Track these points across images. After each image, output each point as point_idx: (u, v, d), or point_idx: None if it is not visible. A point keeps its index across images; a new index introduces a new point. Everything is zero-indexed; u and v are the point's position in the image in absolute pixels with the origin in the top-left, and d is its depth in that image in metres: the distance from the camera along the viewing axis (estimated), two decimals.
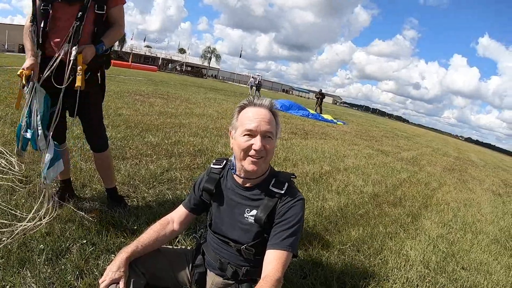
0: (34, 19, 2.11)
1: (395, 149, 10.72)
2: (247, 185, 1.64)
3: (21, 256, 1.90)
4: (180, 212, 1.83)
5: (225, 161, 1.78)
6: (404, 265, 2.70)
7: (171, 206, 2.93)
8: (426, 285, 2.45)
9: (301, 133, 9.53)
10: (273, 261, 1.47)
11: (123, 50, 62.38)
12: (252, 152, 1.50)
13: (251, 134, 1.50)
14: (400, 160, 8.59)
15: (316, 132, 10.60)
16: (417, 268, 2.70)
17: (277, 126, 1.58)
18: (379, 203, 4.38)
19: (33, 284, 1.74)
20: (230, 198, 1.67)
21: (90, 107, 2.41)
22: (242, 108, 1.59)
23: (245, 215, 1.62)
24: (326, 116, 17.47)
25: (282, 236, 1.51)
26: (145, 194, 3.12)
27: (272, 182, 1.61)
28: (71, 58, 2.08)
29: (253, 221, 1.60)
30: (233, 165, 1.68)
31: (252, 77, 34.77)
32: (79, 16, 2.11)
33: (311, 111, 17.71)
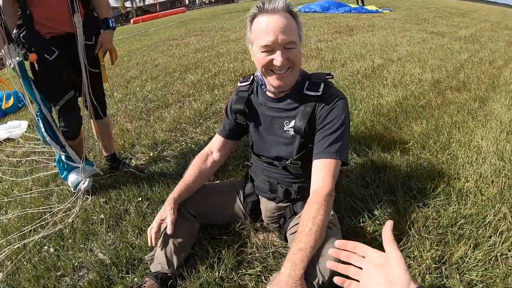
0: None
1: (451, 29, 9.17)
2: (280, 96, 1.40)
3: (85, 230, 1.93)
4: (216, 141, 1.67)
5: (252, 76, 1.54)
6: (476, 159, 2.27)
7: None
8: (502, 180, 2.00)
9: (345, 31, 8.60)
10: (320, 172, 1.26)
11: (147, 3, 60.96)
12: (274, 67, 1.25)
13: (269, 49, 1.23)
14: (457, 39, 7.37)
15: (361, 26, 9.48)
16: (490, 161, 2.23)
17: (298, 30, 1.27)
18: (441, 90, 3.79)
19: (100, 254, 1.75)
20: (265, 114, 1.46)
21: (96, 73, 2.22)
22: (253, 17, 1.28)
23: (285, 129, 1.41)
24: (369, 7, 15.61)
25: (326, 143, 1.28)
26: (193, 134, 3.01)
27: (306, 85, 1.35)
28: (77, 27, 1.96)
29: (293, 132, 1.37)
30: (260, 80, 1.44)
31: None
32: None
33: (353, 6, 16.03)
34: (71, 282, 1.63)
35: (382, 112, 3.09)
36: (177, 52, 7.58)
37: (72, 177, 2.28)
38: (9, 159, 3.21)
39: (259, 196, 1.62)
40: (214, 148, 1.66)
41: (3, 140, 3.69)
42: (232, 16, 18.39)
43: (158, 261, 1.45)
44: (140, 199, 2.08)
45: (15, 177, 2.81)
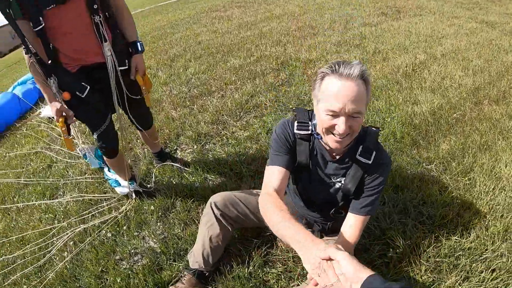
0: (29, 51, 1.74)
1: (503, 19, 8.00)
2: (338, 155, 1.51)
3: (137, 220, 2.30)
4: (282, 178, 1.46)
5: (309, 122, 1.50)
6: (493, 189, 2.28)
7: (258, 136, 3.07)
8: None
9: (392, 13, 8.25)
10: (352, 226, 1.47)
11: None
12: (335, 132, 1.30)
13: (334, 114, 1.26)
14: (508, 34, 6.62)
15: (409, 7, 9.00)
16: (507, 194, 2.23)
17: (367, 98, 1.29)
18: (479, 100, 3.61)
19: (151, 242, 2.13)
20: (321, 167, 1.55)
21: (139, 93, 2.21)
22: (324, 76, 1.29)
23: (332, 179, 1.55)
24: None
25: (364, 202, 1.47)
26: (234, 128, 3.27)
27: (359, 150, 1.45)
28: (108, 55, 1.90)
29: (339, 187, 1.55)
30: (316, 127, 1.48)
31: None
32: (95, 7, 1.78)
33: None
34: (128, 266, 2.02)
35: (414, 123, 3.12)
36: (220, 27, 7.71)
37: (119, 189, 2.53)
38: (61, 138, 3.55)
39: None
40: (281, 188, 1.45)
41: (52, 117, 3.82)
42: None
43: (196, 260, 1.78)
44: (186, 194, 2.43)
45: (68, 157, 3.20)
